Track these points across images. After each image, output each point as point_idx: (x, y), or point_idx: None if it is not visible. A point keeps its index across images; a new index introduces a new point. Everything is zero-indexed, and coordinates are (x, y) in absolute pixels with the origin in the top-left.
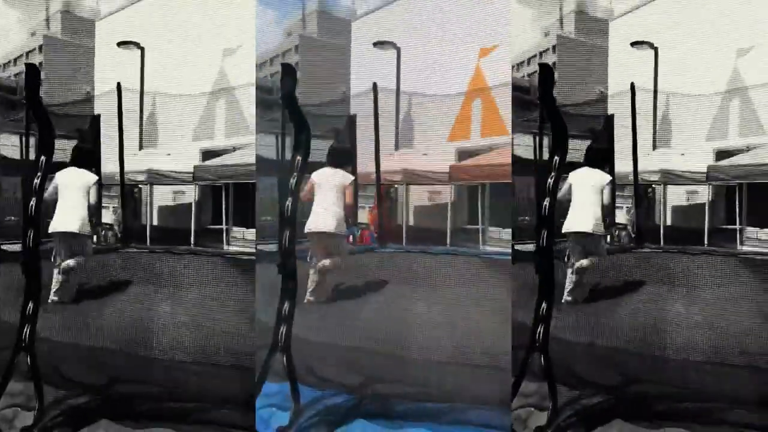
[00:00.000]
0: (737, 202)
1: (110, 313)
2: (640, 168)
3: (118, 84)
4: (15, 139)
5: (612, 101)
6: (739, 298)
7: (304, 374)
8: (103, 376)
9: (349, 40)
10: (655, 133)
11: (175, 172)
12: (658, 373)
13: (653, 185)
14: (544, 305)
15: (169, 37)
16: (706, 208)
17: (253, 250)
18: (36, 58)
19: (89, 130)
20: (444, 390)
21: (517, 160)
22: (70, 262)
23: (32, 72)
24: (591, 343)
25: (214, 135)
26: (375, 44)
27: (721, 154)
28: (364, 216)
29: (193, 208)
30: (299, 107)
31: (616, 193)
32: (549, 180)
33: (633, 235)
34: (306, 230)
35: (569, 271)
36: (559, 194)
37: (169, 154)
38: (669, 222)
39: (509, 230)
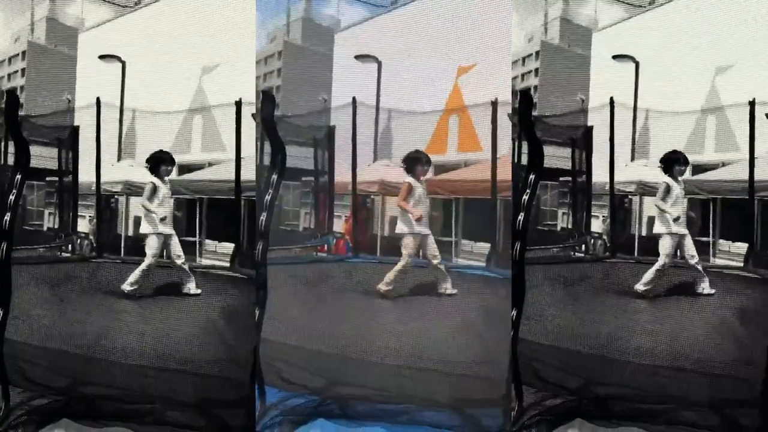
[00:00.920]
0: (711, 216)
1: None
2: (617, 179)
3: (98, 98)
4: None
5: (591, 114)
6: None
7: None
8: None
9: (332, 50)
10: (633, 145)
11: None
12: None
13: (629, 196)
14: (514, 312)
15: (150, 53)
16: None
17: (225, 264)
18: (19, 65)
19: None
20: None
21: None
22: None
23: (12, 98)
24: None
25: (190, 150)
26: (357, 57)
27: (697, 169)
28: (339, 226)
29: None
30: (277, 131)
31: (592, 203)
32: (524, 197)
33: (608, 245)
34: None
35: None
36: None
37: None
38: (644, 233)
39: (481, 243)
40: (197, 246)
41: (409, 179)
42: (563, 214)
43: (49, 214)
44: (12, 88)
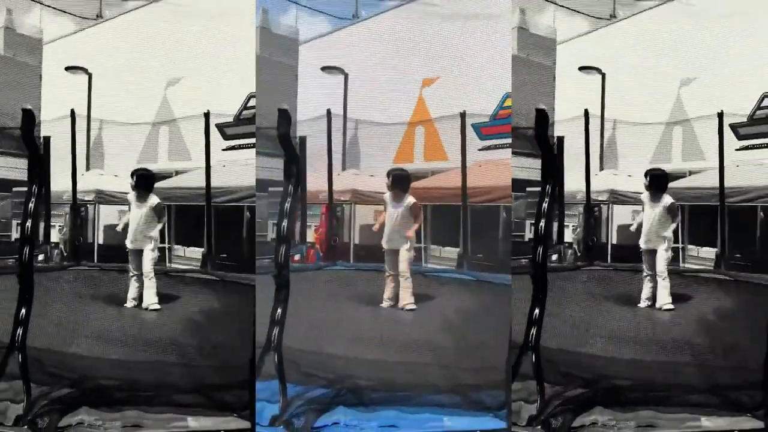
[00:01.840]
0: (679, 222)
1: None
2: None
3: (72, 110)
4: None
5: (561, 124)
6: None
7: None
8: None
9: (292, 60)
10: (602, 155)
11: (121, 192)
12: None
13: (600, 204)
14: (536, 311)
15: (116, 65)
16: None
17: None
18: None
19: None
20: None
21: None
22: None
23: (28, 115)
24: None
25: (157, 158)
26: (323, 68)
27: None
28: (310, 235)
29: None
30: (293, 146)
31: (565, 212)
32: (543, 204)
33: (578, 254)
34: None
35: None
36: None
37: (116, 175)
38: (614, 240)
39: (449, 248)
40: (167, 251)
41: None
42: (531, 224)
43: (17, 224)
44: None
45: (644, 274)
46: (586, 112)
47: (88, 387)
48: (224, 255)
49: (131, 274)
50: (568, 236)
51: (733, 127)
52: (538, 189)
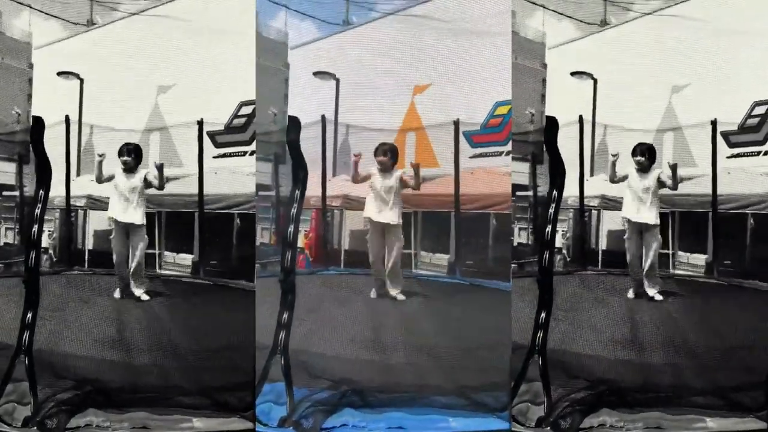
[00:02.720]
0: (670, 229)
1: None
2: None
3: (66, 116)
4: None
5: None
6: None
7: None
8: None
9: (281, 65)
10: (592, 161)
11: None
12: None
13: (591, 210)
14: (543, 314)
15: (108, 70)
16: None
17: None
18: None
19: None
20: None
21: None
22: None
23: (38, 122)
24: None
25: (148, 165)
26: (315, 74)
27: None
28: (300, 240)
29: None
30: (301, 152)
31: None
32: (550, 210)
33: (568, 259)
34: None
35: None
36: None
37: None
38: (604, 246)
39: (439, 255)
40: (157, 257)
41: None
42: (520, 229)
43: (6, 229)
44: None
45: (629, 261)
46: (581, 117)
47: (95, 389)
48: (214, 262)
49: (117, 258)
50: (559, 241)
51: (724, 135)
52: (528, 194)
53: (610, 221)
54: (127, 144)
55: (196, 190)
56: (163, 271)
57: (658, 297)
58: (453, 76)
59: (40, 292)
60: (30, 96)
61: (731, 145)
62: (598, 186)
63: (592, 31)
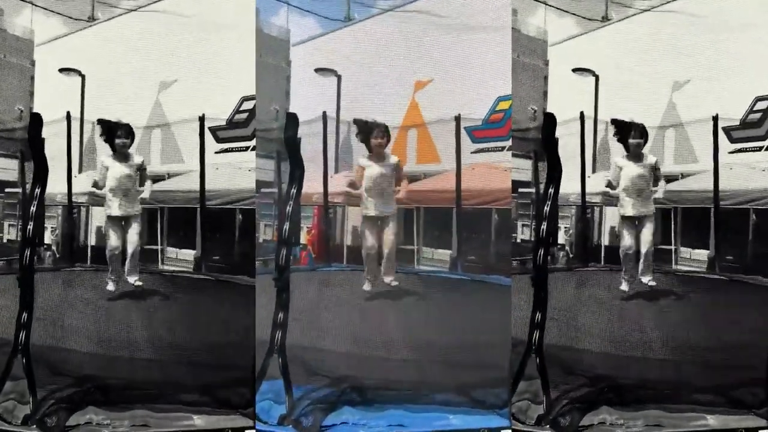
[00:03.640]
0: (672, 224)
1: None
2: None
3: (68, 113)
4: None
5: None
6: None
7: None
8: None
9: (283, 61)
10: (594, 157)
11: None
12: None
13: (593, 206)
14: (538, 314)
15: (110, 66)
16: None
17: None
18: None
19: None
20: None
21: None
22: None
23: (36, 119)
24: None
25: (150, 161)
26: (316, 70)
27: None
28: (303, 237)
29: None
30: (299, 149)
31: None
32: (545, 208)
33: (571, 255)
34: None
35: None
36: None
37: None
38: (606, 242)
39: (441, 251)
40: (159, 253)
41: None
42: (523, 225)
43: (9, 225)
44: None
45: (623, 252)
46: (582, 114)
47: (95, 386)
48: (216, 257)
49: (112, 252)
50: (561, 238)
51: (726, 131)
52: (530, 190)
53: (613, 217)
54: (117, 123)
55: (197, 186)
56: (165, 267)
57: (652, 283)
58: (454, 71)
59: (38, 289)
60: (32, 93)
61: (733, 140)
62: (600, 182)
63: (594, 27)
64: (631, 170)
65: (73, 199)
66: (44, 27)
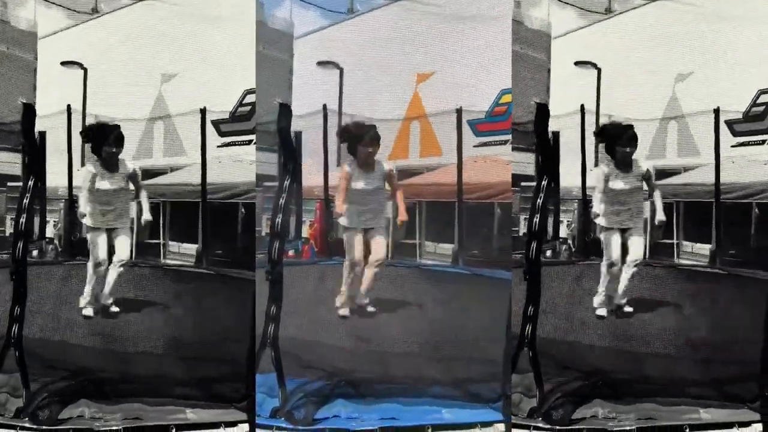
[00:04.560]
0: (674, 218)
1: None
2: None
3: (68, 105)
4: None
5: (555, 120)
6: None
7: None
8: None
9: (287, 54)
10: (596, 151)
11: None
12: None
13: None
14: (531, 308)
15: (111, 60)
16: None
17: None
18: None
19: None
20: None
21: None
22: None
23: (28, 110)
24: None
25: (152, 154)
26: (318, 63)
27: (660, 173)
28: (305, 231)
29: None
30: (292, 141)
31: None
32: (538, 200)
33: (573, 249)
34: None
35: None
36: None
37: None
38: None
39: (444, 245)
40: (161, 247)
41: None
42: (525, 219)
43: (11, 219)
44: None
45: (606, 262)
46: (582, 107)
47: (87, 380)
48: (219, 251)
49: (94, 262)
50: (563, 232)
51: (729, 124)
52: (532, 184)
53: None
54: (111, 127)
55: (199, 180)
56: (167, 261)
57: (629, 309)
58: (457, 63)
59: (41, 282)
60: (35, 86)
61: (736, 134)
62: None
63: (597, 20)
64: (617, 183)
65: (76, 192)
66: (47, 19)
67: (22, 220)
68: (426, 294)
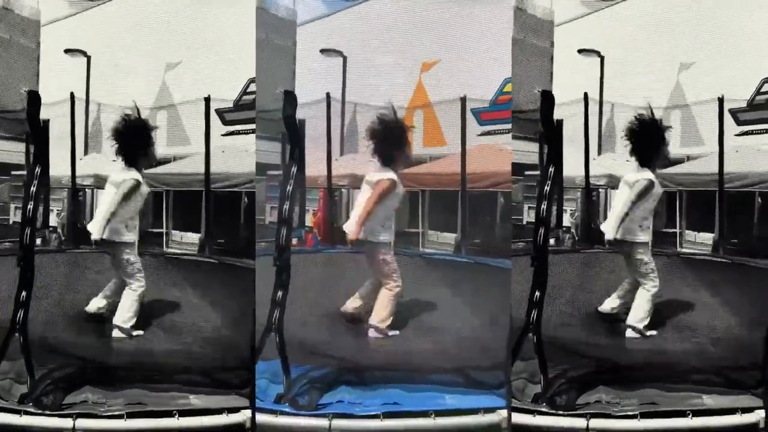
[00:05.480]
0: (677, 208)
1: None
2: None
3: (71, 93)
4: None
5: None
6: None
7: None
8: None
9: (289, 42)
10: (600, 139)
11: None
12: None
13: (599, 189)
14: (537, 293)
15: (115, 48)
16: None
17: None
18: None
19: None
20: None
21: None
22: None
23: (34, 97)
24: None
25: (156, 143)
26: (322, 51)
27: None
28: (309, 219)
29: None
30: (297, 128)
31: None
32: (545, 187)
33: (576, 238)
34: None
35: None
36: None
37: (114, 160)
38: None
39: (446, 234)
40: (164, 236)
41: (390, 174)
42: (529, 208)
43: (16, 208)
44: None
45: (656, 290)
46: (586, 95)
47: (92, 366)
48: (221, 240)
49: (142, 291)
50: (567, 221)
51: (733, 113)
52: (536, 173)
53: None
54: (146, 121)
55: (202, 169)
56: (170, 250)
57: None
58: (461, 51)
59: (45, 270)
60: (38, 74)
61: (740, 122)
62: (606, 165)
63: (600, 7)
64: (659, 188)
65: (80, 181)
66: (50, 6)
67: (30, 207)
68: (429, 282)
